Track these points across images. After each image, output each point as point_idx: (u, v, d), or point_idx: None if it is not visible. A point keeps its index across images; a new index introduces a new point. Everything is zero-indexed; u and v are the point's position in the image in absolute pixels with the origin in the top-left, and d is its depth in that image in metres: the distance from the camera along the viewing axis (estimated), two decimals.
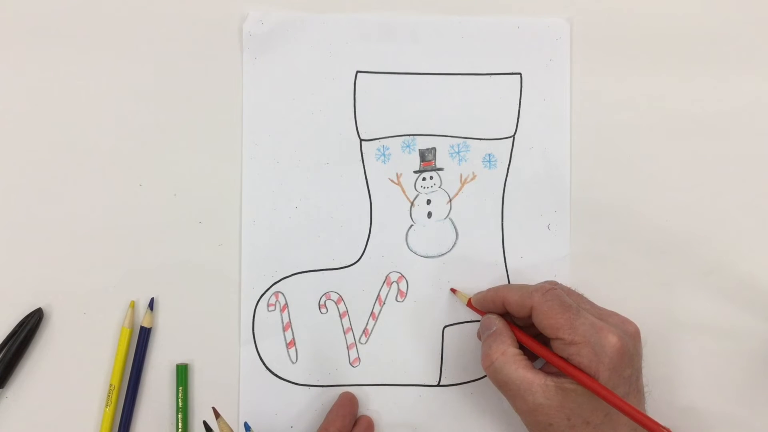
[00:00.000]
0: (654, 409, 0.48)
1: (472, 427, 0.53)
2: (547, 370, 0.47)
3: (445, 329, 0.54)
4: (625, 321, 0.48)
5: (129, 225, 0.52)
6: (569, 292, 0.49)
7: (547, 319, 0.45)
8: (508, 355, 0.46)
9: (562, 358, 0.45)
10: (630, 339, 0.46)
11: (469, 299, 0.52)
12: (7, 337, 0.51)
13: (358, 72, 0.53)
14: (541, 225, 0.54)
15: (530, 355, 0.48)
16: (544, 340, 0.47)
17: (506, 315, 0.50)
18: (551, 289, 0.47)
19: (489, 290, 0.51)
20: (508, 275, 0.54)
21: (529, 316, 0.47)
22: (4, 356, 0.51)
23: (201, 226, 0.53)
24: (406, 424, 0.53)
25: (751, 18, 0.54)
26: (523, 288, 0.48)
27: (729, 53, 0.54)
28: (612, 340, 0.45)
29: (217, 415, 0.47)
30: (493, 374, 0.47)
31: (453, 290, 0.53)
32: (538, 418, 0.45)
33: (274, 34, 0.53)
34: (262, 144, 0.53)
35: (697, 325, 0.54)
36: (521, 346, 0.48)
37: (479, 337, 0.52)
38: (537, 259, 0.54)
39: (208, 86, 0.53)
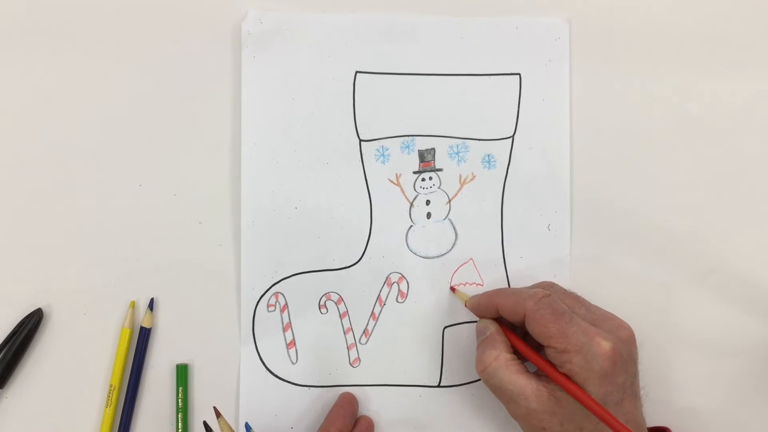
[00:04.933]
0: (652, 410, 0.48)
1: (473, 428, 0.53)
2: (541, 374, 0.46)
3: (446, 330, 0.54)
4: (619, 326, 0.47)
5: (129, 225, 0.52)
6: (565, 294, 0.48)
7: (539, 327, 0.45)
8: (500, 360, 0.46)
9: (552, 365, 0.45)
10: (623, 345, 0.46)
11: (466, 301, 0.52)
12: (7, 337, 0.51)
13: (357, 72, 0.53)
14: (541, 225, 0.54)
15: (525, 359, 0.48)
16: (539, 345, 0.47)
17: (502, 318, 0.49)
18: (544, 296, 0.46)
19: (482, 295, 0.51)
20: (507, 276, 0.54)
21: (524, 322, 0.47)
22: (4, 356, 0.51)
23: (201, 226, 0.53)
24: (406, 424, 0.53)
25: (751, 18, 0.54)
26: (517, 294, 0.48)
27: (729, 53, 0.54)
28: (605, 347, 0.44)
29: (218, 414, 0.47)
30: (486, 379, 0.47)
31: (452, 288, 0.53)
32: (531, 422, 0.45)
33: (273, 34, 0.53)
34: (261, 144, 0.53)
35: (697, 325, 0.54)
36: (516, 350, 0.48)
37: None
38: (537, 260, 0.54)
39: (207, 85, 0.53)
